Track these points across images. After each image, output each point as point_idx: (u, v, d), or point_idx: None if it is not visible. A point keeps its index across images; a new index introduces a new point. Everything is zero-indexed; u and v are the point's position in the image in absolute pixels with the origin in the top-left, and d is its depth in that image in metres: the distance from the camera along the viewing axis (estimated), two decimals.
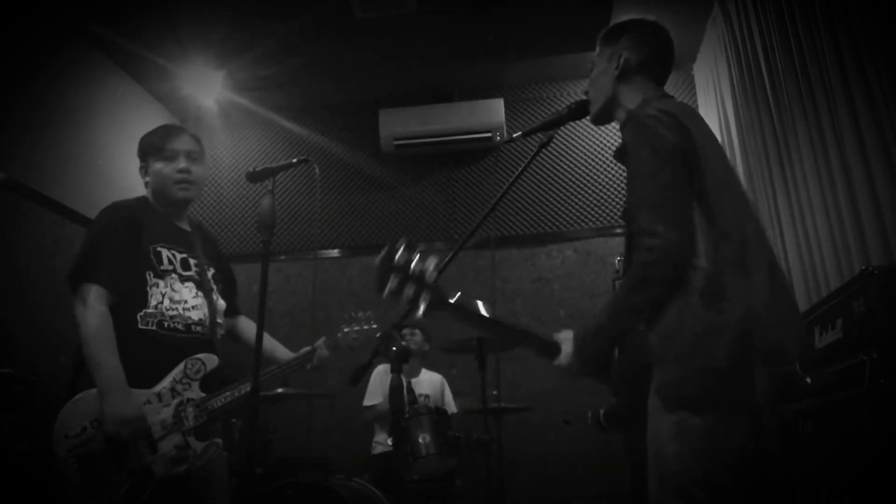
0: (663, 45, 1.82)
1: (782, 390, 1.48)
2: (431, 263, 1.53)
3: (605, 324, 1.55)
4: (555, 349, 1.64)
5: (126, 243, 2.13)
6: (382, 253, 1.52)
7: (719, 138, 3.53)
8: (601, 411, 1.71)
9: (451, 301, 1.58)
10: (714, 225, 1.48)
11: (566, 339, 1.62)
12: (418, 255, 1.52)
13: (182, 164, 2.26)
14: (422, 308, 1.53)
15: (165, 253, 2.20)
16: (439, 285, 1.55)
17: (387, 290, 1.51)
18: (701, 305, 1.42)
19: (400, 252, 1.50)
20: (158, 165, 2.26)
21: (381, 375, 4.05)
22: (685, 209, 1.47)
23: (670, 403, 1.44)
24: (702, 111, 4.76)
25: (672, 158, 1.49)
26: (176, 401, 2.06)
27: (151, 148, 2.29)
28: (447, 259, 1.81)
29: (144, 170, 2.31)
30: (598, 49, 1.86)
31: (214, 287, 2.32)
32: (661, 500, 1.44)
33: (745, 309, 1.41)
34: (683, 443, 1.42)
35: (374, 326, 2.42)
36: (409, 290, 1.51)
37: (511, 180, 1.97)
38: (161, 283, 2.14)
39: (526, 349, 1.69)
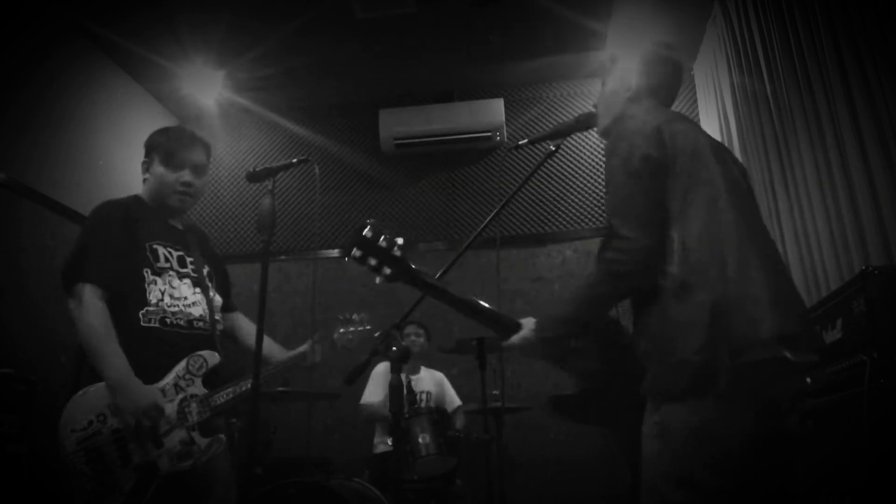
0: (675, 72, 1.90)
1: (774, 378, 1.45)
2: (398, 240, 1.73)
3: (565, 313, 1.68)
4: (513, 329, 1.75)
5: (121, 241, 2.13)
6: (353, 231, 1.72)
7: (719, 138, 3.53)
8: (552, 396, 1.83)
9: (411, 270, 1.74)
10: (686, 228, 1.52)
11: (527, 323, 1.74)
12: (384, 235, 1.71)
13: (186, 176, 2.26)
14: (382, 277, 1.73)
15: (162, 250, 2.20)
16: (403, 258, 1.73)
17: (350, 256, 1.71)
18: (674, 305, 1.48)
19: (367, 230, 1.70)
20: (162, 170, 2.25)
21: (381, 374, 4.04)
22: (653, 216, 1.53)
23: (653, 401, 1.50)
24: (702, 111, 4.76)
25: (642, 169, 1.56)
26: (179, 396, 2.07)
27: (160, 149, 2.27)
28: (452, 260, 1.99)
29: (147, 166, 2.31)
30: (611, 67, 1.95)
31: (210, 284, 2.33)
32: (644, 498, 1.48)
33: (716, 296, 1.44)
34: (664, 442, 1.46)
35: (369, 328, 2.43)
36: (371, 260, 1.71)
37: (517, 187, 2.13)
38: (159, 280, 2.15)
39: (487, 327, 1.80)
